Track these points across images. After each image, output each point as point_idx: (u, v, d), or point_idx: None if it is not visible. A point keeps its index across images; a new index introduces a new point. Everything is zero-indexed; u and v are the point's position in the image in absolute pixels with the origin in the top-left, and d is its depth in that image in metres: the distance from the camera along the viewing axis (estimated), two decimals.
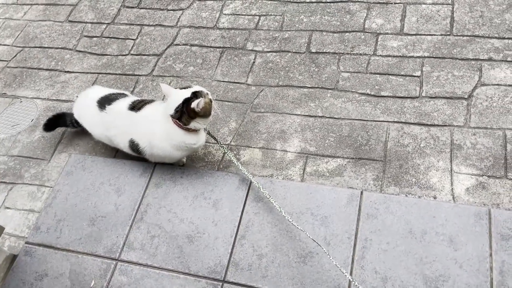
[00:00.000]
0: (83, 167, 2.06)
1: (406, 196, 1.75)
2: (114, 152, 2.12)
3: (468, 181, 1.76)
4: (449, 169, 1.80)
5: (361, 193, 1.77)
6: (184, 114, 1.71)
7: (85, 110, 1.98)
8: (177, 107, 1.71)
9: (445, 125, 1.92)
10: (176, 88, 1.79)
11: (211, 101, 1.75)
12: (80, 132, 2.19)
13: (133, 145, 1.84)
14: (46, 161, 2.17)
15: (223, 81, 2.30)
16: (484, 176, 1.76)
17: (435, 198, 1.74)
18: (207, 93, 1.75)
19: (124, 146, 1.88)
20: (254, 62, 2.35)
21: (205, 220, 1.81)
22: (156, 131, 1.79)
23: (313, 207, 1.77)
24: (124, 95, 1.97)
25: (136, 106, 1.86)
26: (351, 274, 1.60)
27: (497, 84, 1.98)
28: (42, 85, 2.51)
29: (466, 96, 1.98)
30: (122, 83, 2.40)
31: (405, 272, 1.56)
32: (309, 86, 2.19)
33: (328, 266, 1.62)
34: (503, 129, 1.85)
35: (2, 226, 1.77)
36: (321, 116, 2.07)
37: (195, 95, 1.71)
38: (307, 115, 2.09)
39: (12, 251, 1.89)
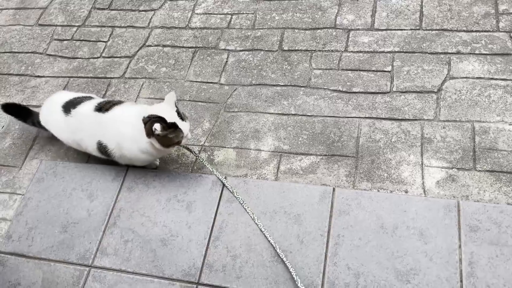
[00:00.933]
0: (55, 173, 2.03)
1: (378, 191, 1.77)
2: (86, 157, 2.09)
3: (439, 174, 1.78)
4: (420, 163, 1.82)
5: (333, 189, 1.78)
6: (147, 125, 1.69)
7: (51, 116, 1.95)
8: (151, 116, 1.69)
9: (416, 119, 1.93)
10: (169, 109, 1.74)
11: (178, 143, 1.76)
12: (52, 137, 2.15)
13: (101, 147, 1.82)
14: (17, 168, 2.14)
15: (196, 81, 2.29)
16: (453, 169, 1.78)
17: (406, 192, 1.75)
18: (184, 135, 1.73)
19: (92, 149, 1.86)
20: (227, 61, 2.33)
21: (178, 223, 1.80)
22: (125, 132, 1.77)
23: (287, 205, 1.77)
24: (90, 98, 1.94)
25: (103, 107, 1.83)
26: (324, 271, 1.60)
27: (466, 77, 2.00)
28: (12, 91, 2.46)
29: (435, 90, 2.00)
30: (94, 87, 2.37)
31: (377, 267, 1.58)
32: (282, 84, 2.18)
33: (301, 264, 1.62)
34: (472, 122, 1.87)
35: None
36: (294, 114, 2.07)
37: (170, 125, 1.69)
38: (280, 113, 2.09)
39: None
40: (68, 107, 1.87)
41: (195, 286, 1.66)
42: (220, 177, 1.86)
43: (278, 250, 1.64)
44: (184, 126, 1.72)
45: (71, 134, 1.89)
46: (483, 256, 1.53)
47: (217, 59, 2.35)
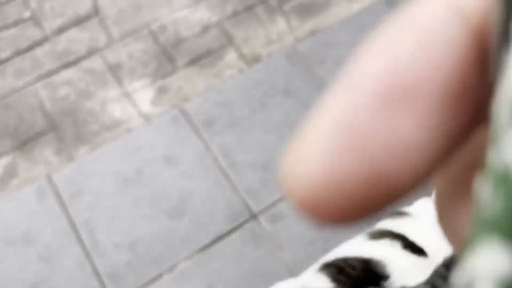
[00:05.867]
0: None
1: (101, 147, 1.42)
2: None
3: (148, 93, 1.54)
4: (123, 92, 1.54)
5: (50, 179, 1.34)
6: None
7: None
8: None
9: (92, 53, 1.60)
10: None
11: None
12: None
13: None
14: None
15: None
16: (158, 80, 1.57)
17: (129, 130, 1.46)
18: None
19: None
20: None
21: None
22: None
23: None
24: None
25: None
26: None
27: None
28: None
29: (93, 13, 1.69)
30: None
31: (147, 225, 1.29)
32: None
33: None
34: (147, 24, 1.67)
35: None
36: None
37: None
38: None
39: None
40: None
41: None
42: None
43: None
44: None
45: None
46: (228, 141, 1.42)
47: None
